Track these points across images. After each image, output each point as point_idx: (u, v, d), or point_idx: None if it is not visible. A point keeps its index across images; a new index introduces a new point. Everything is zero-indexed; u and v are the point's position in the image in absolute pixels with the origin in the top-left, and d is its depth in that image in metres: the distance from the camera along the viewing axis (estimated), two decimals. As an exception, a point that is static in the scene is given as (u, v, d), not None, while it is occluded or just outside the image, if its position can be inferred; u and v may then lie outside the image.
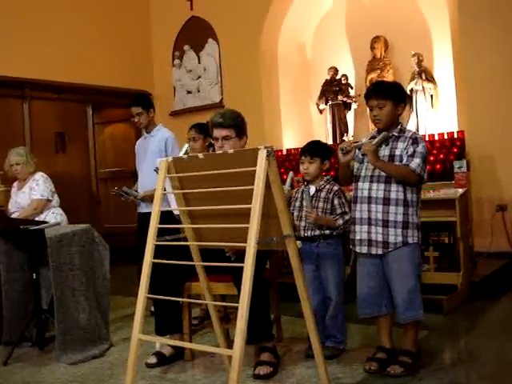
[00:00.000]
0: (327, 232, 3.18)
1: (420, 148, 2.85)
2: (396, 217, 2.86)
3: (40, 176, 4.48)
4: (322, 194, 3.22)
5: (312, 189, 3.26)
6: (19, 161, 4.44)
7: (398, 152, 2.89)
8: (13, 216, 4.39)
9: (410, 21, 7.18)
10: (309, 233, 3.21)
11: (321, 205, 3.20)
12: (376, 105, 2.92)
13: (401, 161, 2.87)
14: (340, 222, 3.16)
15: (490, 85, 5.79)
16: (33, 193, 4.39)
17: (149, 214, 4.21)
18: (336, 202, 3.18)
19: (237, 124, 3.13)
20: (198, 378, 3.02)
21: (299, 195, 3.32)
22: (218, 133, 3.11)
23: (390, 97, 2.91)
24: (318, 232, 3.19)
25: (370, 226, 2.91)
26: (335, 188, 3.22)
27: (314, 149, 3.27)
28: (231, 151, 2.38)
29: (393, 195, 2.87)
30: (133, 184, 4.68)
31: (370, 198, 2.91)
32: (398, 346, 2.99)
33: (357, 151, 3.04)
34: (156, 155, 4.28)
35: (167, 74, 8.63)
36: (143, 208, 4.42)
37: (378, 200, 2.88)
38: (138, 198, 4.40)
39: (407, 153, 2.85)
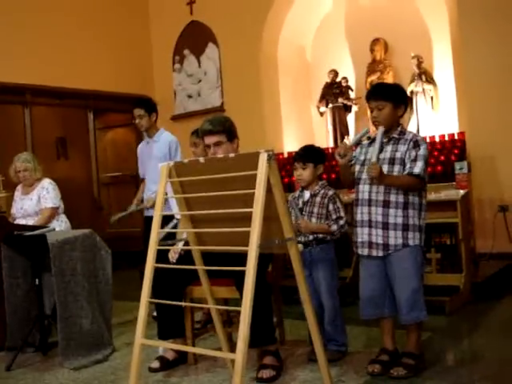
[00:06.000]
0: (320, 236, 3.16)
1: (422, 151, 2.84)
2: (396, 219, 2.85)
3: (48, 183, 4.44)
4: (317, 199, 3.19)
5: (307, 194, 3.24)
6: (27, 167, 4.38)
7: (398, 155, 2.88)
8: (17, 221, 4.37)
9: (409, 22, 7.19)
10: (302, 238, 3.17)
11: (316, 210, 3.18)
12: (375, 106, 2.92)
13: (401, 164, 2.86)
14: (334, 227, 3.13)
15: (490, 85, 5.79)
16: (45, 201, 4.35)
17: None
18: (331, 207, 3.16)
19: (226, 128, 3.13)
20: (202, 382, 3.01)
21: (293, 201, 3.30)
22: (208, 140, 3.12)
23: (389, 98, 2.91)
24: (311, 237, 3.17)
25: (371, 229, 2.91)
26: (330, 193, 3.19)
27: (307, 154, 3.23)
28: (232, 155, 2.38)
29: (392, 198, 2.86)
30: (134, 189, 4.68)
31: (370, 200, 2.91)
32: (401, 348, 2.99)
33: (357, 154, 3.05)
34: (161, 160, 4.28)
35: (168, 78, 8.64)
36: (149, 211, 4.40)
37: (378, 202, 2.89)
38: (139, 208, 4.43)
39: (409, 157, 2.85)
